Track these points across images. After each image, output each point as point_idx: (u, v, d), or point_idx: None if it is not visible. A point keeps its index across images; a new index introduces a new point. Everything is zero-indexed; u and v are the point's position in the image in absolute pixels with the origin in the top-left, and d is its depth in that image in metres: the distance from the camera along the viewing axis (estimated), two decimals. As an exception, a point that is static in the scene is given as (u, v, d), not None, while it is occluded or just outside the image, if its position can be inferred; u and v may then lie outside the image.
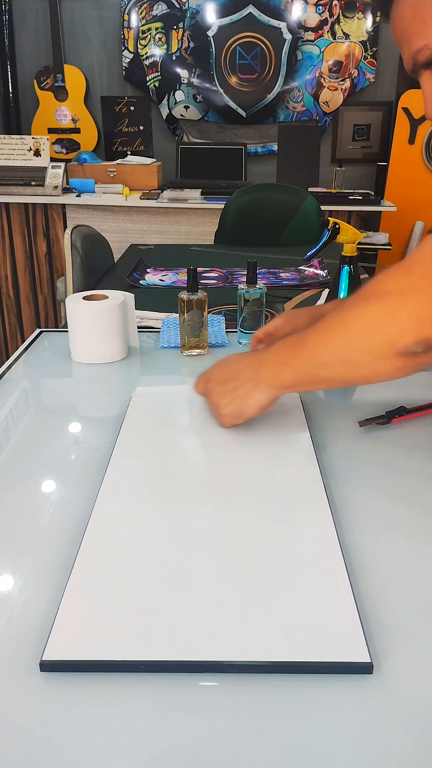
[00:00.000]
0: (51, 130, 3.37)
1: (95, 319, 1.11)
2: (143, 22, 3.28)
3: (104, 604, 0.56)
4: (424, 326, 0.63)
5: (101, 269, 1.92)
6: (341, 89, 3.35)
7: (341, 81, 3.34)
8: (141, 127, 3.39)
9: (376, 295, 0.67)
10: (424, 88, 0.66)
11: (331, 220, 1.16)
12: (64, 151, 3.40)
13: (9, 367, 1.13)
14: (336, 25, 3.25)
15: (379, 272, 0.69)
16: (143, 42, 3.32)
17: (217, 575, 0.59)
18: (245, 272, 1.20)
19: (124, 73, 3.38)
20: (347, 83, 3.34)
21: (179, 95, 3.40)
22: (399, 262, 0.68)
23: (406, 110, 3.16)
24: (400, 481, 0.77)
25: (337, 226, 1.15)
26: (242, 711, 0.48)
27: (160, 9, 3.26)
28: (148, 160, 3.19)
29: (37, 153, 3.04)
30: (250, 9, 3.22)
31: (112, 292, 1.17)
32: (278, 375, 0.78)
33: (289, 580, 0.59)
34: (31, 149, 3.04)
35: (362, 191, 3.10)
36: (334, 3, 3.21)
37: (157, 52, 3.33)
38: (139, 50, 3.33)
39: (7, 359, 1.19)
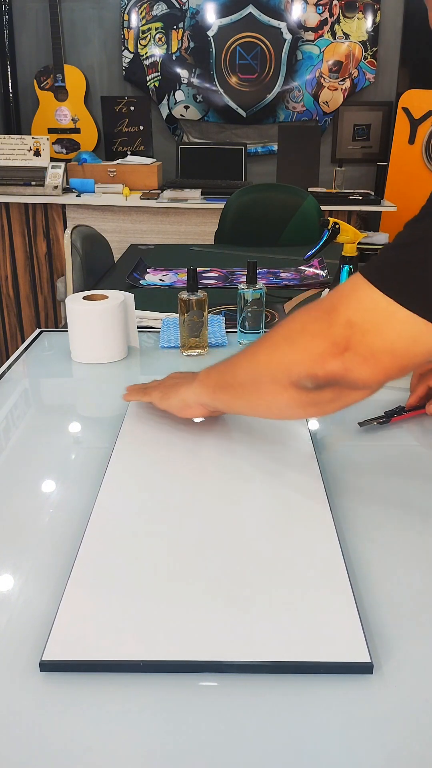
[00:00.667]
0: (51, 130, 3.37)
1: (95, 319, 1.11)
2: (143, 22, 3.28)
3: (104, 604, 0.56)
4: (315, 362, 0.62)
5: (101, 269, 1.92)
6: (341, 89, 3.35)
7: (341, 81, 3.34)
8: (141, 127, 3.39)
9: (290, 322, 0.67)
10: None
11: (331, 220, 1.16)
12: (64, 151, 3.40)
13: (9, 367, 1.13)
14: (336, 25, 3.25)
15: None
16: (143, 42, 3.32)
17: (217, 575, 0.59)
18: (245, 272, 1.20)
19: (124, 73, 3.38)
20: (347, 83, 3.34)
21: (179, 95, 3.40)
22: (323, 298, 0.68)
23: (406, 110, 3.16)
24: (400, 481, 0.77)
25: (337, 226, 1.15)
26: (242, 711, 0.48)
27: (160, 9, 3.25)
28: (148, 160, 3.19)
29: (37, 153, 3.04)
30: (250, 9, 3.22)
31: (112, 292, 1.17)
32: (208, 376, 0.80)
33: (289, 580, 0.59)
34: (31, 149, 3.04)
35: (362, 191, 3.10)
36: (334, 3, 3.21)
37: (157, 52, 3.33)
38: (139, 50, 3.33)
39: (7, 359, 1.19)
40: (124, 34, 3.31)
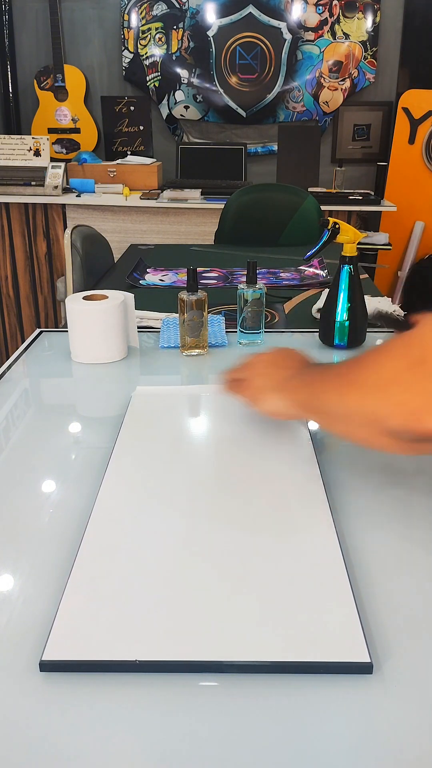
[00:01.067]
0: (51, 130, 3.37)
1: (95, 319, 1.11)
2: (143, 22, 3.28)
3: (104, 604, 0.56)
4: (409, 418, 0.58)
5: (101, 269, 1.92)
6: (341, 89, 3.35)
7: (341, 81, 3.34)
8: (141, 127, 3.39)
9: (380, 367, 0.61)
10: None
11: (331, 220, 1.16)
12: (64, 151, 3.40)
13: (9, 367, 1.13)
14: (336, 25, 3.25)
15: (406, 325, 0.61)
16: (143, 42, 3.32)
17: (217, 575, 0.60)
18: (245, 272, 1.20)
19: (124, 73, 3.38)
20: (347, 83, 3.34)
21: (179, 95, 3.40)
22: (409, 340, 0.61)
23: (406, 110, 3.16)
24: (400, 481, 0.77)
25: (337, 226, 1.15)
26: (242, 711, 0.48)
27: (160, 9, 3.25)
28: (148, 160, 3.19)
29: (37, 153, 3.04)
30: (250, 9, 3.22)
31: (112, 292, 1.17)
32: (297, 392, 0.76)
33: (289, 580, 0.59)
34: (31, 149, 3.04)
35: (362, 191, 3.10)
36: (334, 3, 3.21)
37: (157, 52, 3.33)
38: (139, 50, 3.33)
39: (7, 359, 1.19)
40: (124, 34, 3.31)
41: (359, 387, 0.63)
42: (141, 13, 3.26)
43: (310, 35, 3.27)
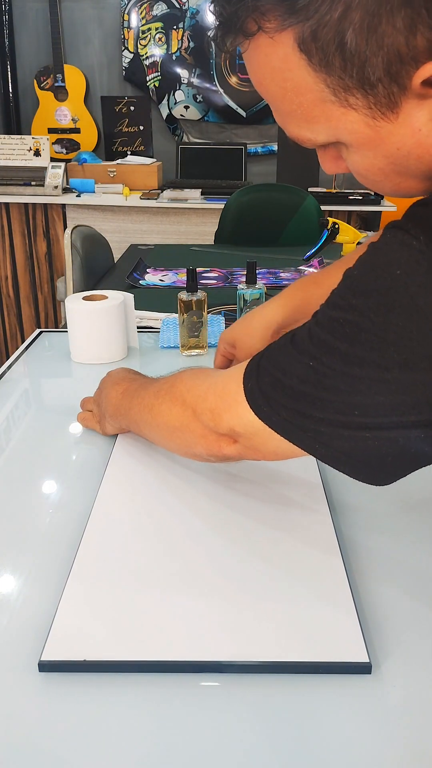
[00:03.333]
0: (51, 130, 3.37)
1: (95, 319, 1.11)
2: (143, 22, 3.28)
3: (103, 604, 0.56)
4: (212, 448, 0.64)
5: (101, 269, 1.92)
6: (341, 89, 3.35)
7: (341, 81, 3.34)
8: (141, 127, 3.39)
9: (179, 401, 0.67)
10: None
11: (331, 220, 1.16)
12: (64, 151, 3.40)
13: (9, 367, 1.13)
14: (336, 25, 3.24)
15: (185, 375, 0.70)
16: (143, 42, 3.32)
17: (217, 575, 0.60)
18: (245, 272, 1.20)
19: (124, 73, 3.38)
20: (347, 83, 3.34)
21: (179, 95, 3.40)
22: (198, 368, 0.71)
23: (406, 110, 3.16)
24: (400, 481, 0.77)
25: (336, 226, 1.15)
26: (242, 711, 0.48)
27: (160, 9, 3.25)
28: (148, 160, 3.19)
29: (37, 153, 3.04)
30: (250, 9, 3.22)
31: (112, 292, 1.17)
32: (117, 418, 0.83)
33: (288, 580, 0.59)
34: (31, 149, 3.04)
35: (362, 191, 3.10)
36: (334, 3, 3.21)
37: (157, 52, 3.33)
38: (139, 50, 3.33)
39: (7, 359, 1.19)
40: (124, 34, 3.31)
41: (164, 429, 0.71)
42: (141, 13, 3.26)
43: (310, 35, 3.26)
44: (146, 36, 3.31)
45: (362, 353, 0.47)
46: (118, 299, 1.14)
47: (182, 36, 3.29)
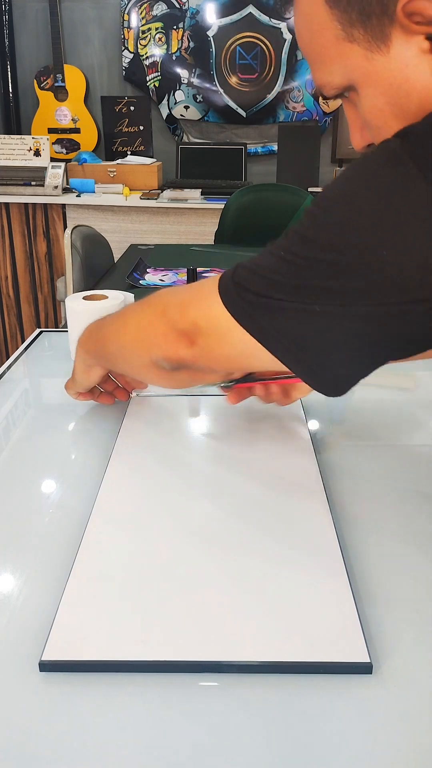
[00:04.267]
0: (51, 130, 3.37)
1: (95, 319, 1.11)
2: (143, 22, 3.28)
3: (104, 604, 0.56)
4: (170, 348, 0.66)
5: (101, 269, 1.92)
6: (341, 89, 3.35)
7: (341, 81, 3.34)
8: (141, 127, 3.39)
9: (154, 299, 0.70)
10: (346, 113, 0.63)
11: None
12: (64, 151, 3.40)
13: (9, 367, 1.13)
14: (336, 25, 3.24)
15: None
16: (143, 42, 3.32)
17: (217, 575, 0.60)
18: (245, 272, 1.19)
19: (124, 73, 3.38)
20: (347, 83, 3.34)
21: (179, 95, 3.40)
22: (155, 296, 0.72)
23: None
24: (400, 481, 0.77)
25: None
26: (242, 711, 0.48)
27: (160, 9, 3.25)
28: (148, 160, 3.19)
29: (37, 153, 3.04)
30: (250, 9, 3.22)
31: (112, 292, 1.16)
32: (87, 340, 0.85)
33: (288, 580, 0.59)
34: (31, 149, 3.04)
35: (362, 191, 3.10)
36: (334, 3, 3.21)
37: (157, 52, 3.33)
38: (139, 50, 3.33)
39: (7, 359, 1.19)
40: (124, 34, 3.31)
41: (136, 320, 0.73)
42: (141, 13, 3.27)
43: (310, 35, 3.26)
44: (146, 36, 3.31)
45: (325, 237, 0.52)
46: (118, 299, 1.14)
47: (182, 36, 3.29)
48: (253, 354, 0.59)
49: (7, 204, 2.96)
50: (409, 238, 0.48)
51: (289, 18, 3.21)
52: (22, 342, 1.64)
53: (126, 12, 3.27)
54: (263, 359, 0.58)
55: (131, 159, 3.22)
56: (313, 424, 0.90)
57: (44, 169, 3.00)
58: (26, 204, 2.96)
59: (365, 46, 0.53)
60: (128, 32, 3.31)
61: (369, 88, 0.55)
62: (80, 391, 0.92)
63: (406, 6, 0.49)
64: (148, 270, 1.77)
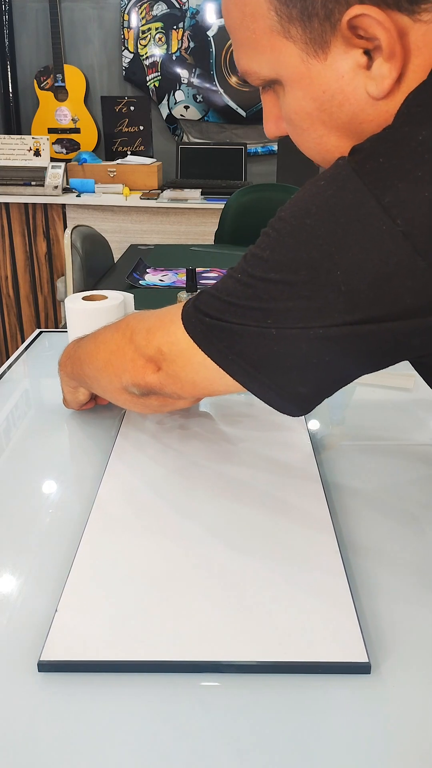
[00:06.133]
0: (51, 130, 3.37)
1: (95, 319, 1.11)
2: (143, 22, 3.28)
3: (103, 604, 0.56)
4: (138, 374, 0.66)
5: (101, 269, 1.92)
6: (341, 89, 3.35)
7: (341, 81, 3.34)
8: (141, 127, 3.39)
9: (123, 325, 0.71)
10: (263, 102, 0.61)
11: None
12: (64, 151, 3.40)
13: (9, 367, 1.13)
14: (336, 25, 3.24)
15: None
16: (143, 42, 3.32)
17: (217, 575, 0.60)
18: (245, 272, 1.19)
19: (124, 73, 3.38)
20: (347, 83, 3.34)
21: (179, 95, 3.40)
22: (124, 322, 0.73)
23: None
24: (400, 481, 0.77)
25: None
26: (242, 711, 0.48)
27: (160, 9, 3.25)
28: (148, 160, 3.19)
29: (37, 153, 3.04)
30: (250, 9, 3.22)
31: (112, 292, 1.16)
32: (65, 365, 0.86)
33: (288, 580, 0.59)
34: (31, 149, 3.04)
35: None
36: (334, 3, 3.20)
37: (157, 52, 3.33)
38: (139, 50, 3.33)
39: (7, 359, 1.19)
40: (124, 34, 3.31)
41: (107, 347, 0.73)
42: (141, 13, 3.27)
43: (310, 35, 3.26)
44: (146, 36, 3.31)
45: (279, 257, 0.51)
46: (118, 299, 1.14)
47: (182, 36, 3.29)
48: (217, 378, 0.59)
49: (7, 204, 2.96)
50: (360, 255, 0.47)
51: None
52: (22, 342, 1.64)
53: (126, 12, 3.27)
54: (227, 383, 0.58)
55: (131, 159, 3.22)
56: (313, 424, 0.90)
57: (44, 169, 3.00)
58: (26, 204, 2.96)
59: (302, 48, 0.51)
60: (128, 32, 3.31)
61: (299, 90, 0.54)
62: (75, 408, 0.93)
63: (352, 20, 0.48)
64: (148, 270, 1.77)
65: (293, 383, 0.56)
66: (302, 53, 0.51)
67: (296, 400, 0.58)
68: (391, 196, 0.46)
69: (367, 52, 0.50)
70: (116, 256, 2.10)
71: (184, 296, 1.12)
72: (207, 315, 0.57)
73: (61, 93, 3.34)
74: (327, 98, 0.52)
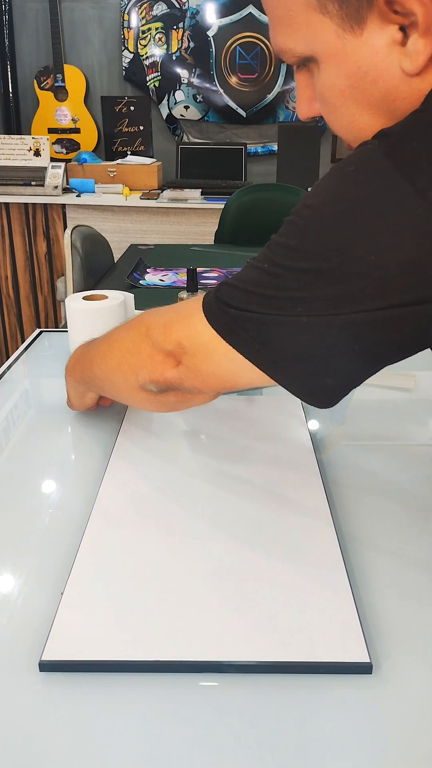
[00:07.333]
0: (51, 130, 3.37)
1: (95, 319, 1.11)
2: (143, 22, 3.28)
3: (103, 604, 0.56)
4: (156, 370, 0.65)
5: (101, 269, 1.92)
6: (341, 89, 3.35)
7: (341, 81, 3.33)
8: (141, 127, 3.39)
9: (137, 322, 0.69)
10: (296, 83, 0.61)
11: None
12: (64, 151, 3.40)
13: (9, 367, 1.13)
14: (336, 25, 3.24)
15: None
16: (143, 42, 3.31)
17: (217, 575, 0.60)
18: (245, 272, 1.19)
19: (124, 73, 3.38)
20: (347, 83, 3.34)
21: (179, 95, 3.40)
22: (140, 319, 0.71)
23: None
24: (399, 481, 0.77)
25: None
26: (242, 711, 0.48)
27: (160, 9, 3.25)
28: (148, 160, 3.19)
29: (37, 153, 3.04)
30: (250, 9, 3.22)
31: (112, 292, 1.16)
32: (74, 368, 0.85)
33: (288, 580, 0.59)
34: (31, 149, 3.04)
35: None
36: (334, 3, 3.20)
37: (157, 52, 3.33)
38: (139, 50, 3.33)
39: (7, 359, 1.19)
40: (124, 34, 3.31)
41: (120, 345, 0.72)
42: (141, 13, 3.26)
43: (310, 35, 3.26)
44: (146, 36, 3.31)
45: (308, 245, 0.51)
46: (118, 299, 1.14)
47: (182, 36, 3.29)
48: (241, 370, 0.58)
49: (7, 204, 2.96)
50: (394, 240, 0.47)
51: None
52: (22, 342, 1.64)
53: (126, 12, 3.27)
54: (251, 375, 0.57)
55: (131, 159, 3.22)
56: (313, 424, 0.90)
57: (44, 169, 3.00)
58: (26, 204, 2.96)
59: (338, 23, 0.51)
60: (128, 32, 3.30)
61: (333, 66, 0.53)
62: (80, 410, 0.93)
63: None
64: (148, 270, 1.77)
65: (321, 374, 0.55)
66: (338, 29, 0.51)
67: (324, 392, 0.57)
68: (426, 180, 0.46)
69: (402, 29, 0.50)
70: (116, 256, 2.10)
71: (184, 296, 1.12)
72: (231, 306, 0.56)
73: (61, 93, 3.34)
74: (361, 74, 0.52)
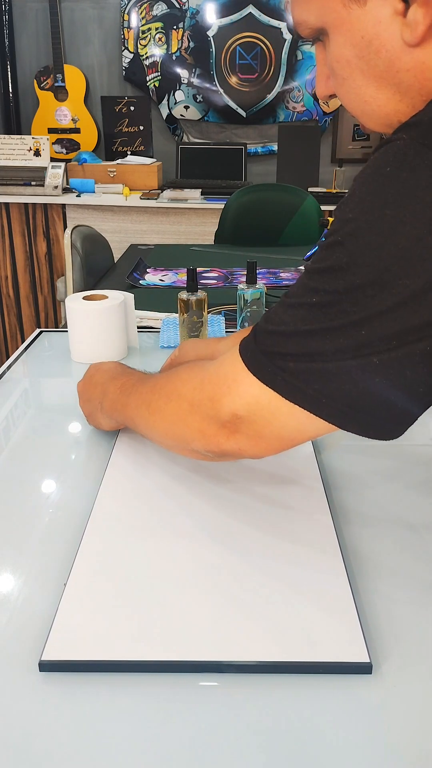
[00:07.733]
0: (51, 130, 3.37)
1: (95, 319, 1.11)
2: (143, 22, 3.28)
3: (104, 604, 0.56)
4: (210, 442, 0.60)
5: (101, 269, 1.92)
6: (341, 89, 3.35)
7: (341, 81, 3.33)
8: (141, 127, 3.39)
9: (175, 395, 0.64)
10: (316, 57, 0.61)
11: (331, 220, 1.16)
12: (64, 151, 3.40)
13: (9, 367, 1.13)
14: (336, 25, 3.24)
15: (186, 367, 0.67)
16: (143, 42, 3.31)
17: (217, 575, 0.60)
18: (245, 272, 1.20)
19: (124, 73, 3.38)
20: (347, 83, 3.33)
21: (179, 95, 3.40)
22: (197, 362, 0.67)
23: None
24: (399, 480, 0.77)
25: (336, 226, 1.15)
26: (242, 711, 0.48)
27: (160, 9, 3.25)
28: (148, 160, 3.19)
29: (37, 153, 3.04)
30: (250, 9, 3.22)
31: (112, 292, 1.17)
32: (113, 414, 0.81)
33: (288, 580, 0.59)
34: (31, 149, 3.04)
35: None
36: (334, 3, 3.20)
37: (157, 52, 3.33)
38: (139, 50, 3.33)
39: (7, 359, 1.19)
40: (124, 34, 3.31)
41: (163, 417, 0.67)
42: (141, 13, 3.26)
43: (310, 35, 3.26)
44: (146, 36, 3.31)
45: (362, 259, 0.47)
46: (118, 299, 1.14)
47: (182, 36, 3.29)
48: (307, 426, 0.54)
49: (7, 204, 2.96)
50: None
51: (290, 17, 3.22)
52: (22, 342, 1.64)
53: (126, 12, 3.27)
54: (318, 426, 0.53)
55: (131, 159, 3.22)
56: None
57: (44, 169, 3.00)
58: (26, 204, 2.96)
59: None
60: (128, 32, 3.30)
61: (340, 36, 0.54)
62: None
63: None
64: (148, 270, 1.77)
65: (395, 413, 0.51)
66: None
67: (396, 427, 0.54)
68: None
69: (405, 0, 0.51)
70: (116, 256, 2.10)
71: (184, 296, 1.12)
72: (284, 358, 0.51)
73: (61, 93, 3.34)
74: (365, 44, 0.53)
